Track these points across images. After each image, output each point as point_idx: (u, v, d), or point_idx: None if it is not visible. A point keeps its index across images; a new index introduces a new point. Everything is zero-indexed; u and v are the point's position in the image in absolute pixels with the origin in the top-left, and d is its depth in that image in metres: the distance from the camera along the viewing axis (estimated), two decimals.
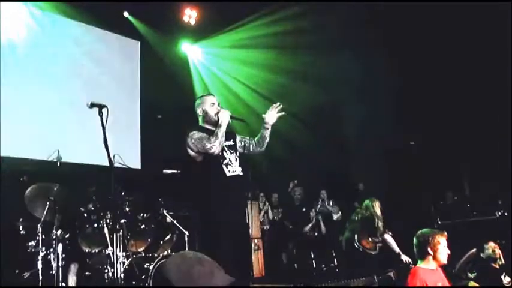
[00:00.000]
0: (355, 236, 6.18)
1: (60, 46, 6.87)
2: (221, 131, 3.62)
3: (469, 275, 4.75)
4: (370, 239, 6.18)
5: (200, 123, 3.88)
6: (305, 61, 7.75)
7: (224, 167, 3.65)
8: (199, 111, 3.88)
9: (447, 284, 3.47)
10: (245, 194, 3.87)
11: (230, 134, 3.87)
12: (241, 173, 3.75)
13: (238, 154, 3.84)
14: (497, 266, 4.77)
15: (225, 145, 3.74)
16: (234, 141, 3.91)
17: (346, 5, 6.92)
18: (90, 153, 6.46)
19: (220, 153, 3.66)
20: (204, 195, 3.61)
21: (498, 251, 4.79)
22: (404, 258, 5.82)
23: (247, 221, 3.68)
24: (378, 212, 6.24)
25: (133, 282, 4.53)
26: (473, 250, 5.01)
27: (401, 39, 6.82)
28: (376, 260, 6.05)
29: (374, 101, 7.31)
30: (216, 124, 3.69)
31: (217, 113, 3.75)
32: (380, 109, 7.26)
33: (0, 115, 6.08)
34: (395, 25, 6.76)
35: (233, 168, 3.70)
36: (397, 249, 5.99)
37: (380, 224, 6.19)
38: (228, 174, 3.65)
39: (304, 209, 7.73)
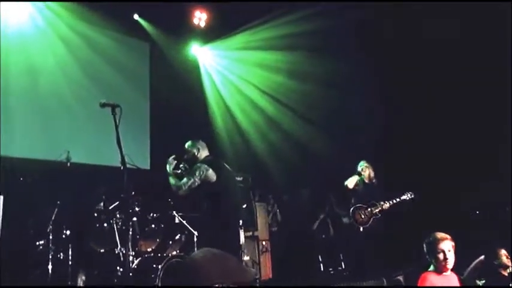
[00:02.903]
0: (351, 209, 6.06)
1: (71, 47, 6.93)
2: None
3: (478, 282, 4.69)
4: (368, 210, 6.01)
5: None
6: (318, 64, 7.71)
7: None
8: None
9: None
10: None
11: None
12: None
13: None
14: (506, 274, 4.72)
15: None
16: None
17: (361, 5, 6.87)
18: (99, 154, 6.52)
19: None
20: None
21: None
22: (406, 195, 5.84)
23: None
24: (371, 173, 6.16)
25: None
26: (482, 257, 4.95)
27: (423, 42, 6.76)
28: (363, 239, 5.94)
29: (391, 107, 7.25)
30: None
31: None
32: (399, 115, 7.18)
33: (11, 116, 6.16)
34: (415, 27, 6.70)
35: None
36: (395, 200, 5.95)
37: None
38: None
39: (312, 211, 7.72)
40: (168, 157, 4.66)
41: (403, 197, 5.99)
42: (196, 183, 4.38)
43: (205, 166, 4.45)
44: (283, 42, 7.82)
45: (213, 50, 8.79)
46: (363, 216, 6.00)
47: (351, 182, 6.17)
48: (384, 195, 6.09)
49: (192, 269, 1.82)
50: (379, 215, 5.96)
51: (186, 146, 4.78)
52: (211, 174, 4.42)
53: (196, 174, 4.40)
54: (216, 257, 1.84)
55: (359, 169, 6.23)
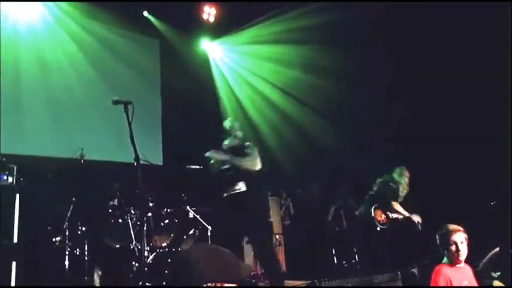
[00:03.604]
0: (373, 207, 6.01)
1: (82, 45, 6.99)
2: None
3: (493, 274, 4.65)
4: (388, 214, 6.01)
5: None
6: (329, 57, 7.66)
7: None
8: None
9: (474, 282, 3.36)
10: None
11: None
12: None
13: None
14: None
15: None
16: None
17: None
18: (112, 150, 6.58)
19: None
20: None
21: None
22: (416, 218, 5.76)
23: None
24: (405, 180, 6.08)
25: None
26: (497, 249, 4.90)
27: (434, 36, 6.67)
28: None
29: (402, 100, 7.18)
30: None
31: None
32: (412, 109, 7.11)
33: (25, 115, 6.25)
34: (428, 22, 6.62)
35: None
36: (406, 213, 5.90)
37: (403, 192, 6.04)
38: None
39: (323, 204, 7.71)
40: (205, 153, 4.52)
41: (413, 218, 5.97)
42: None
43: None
44: (293, 36, 7.77)
45: (222, 45, 8.79)
46: (383, 217, 6.00)
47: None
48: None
49: (185, 265, 1.79)
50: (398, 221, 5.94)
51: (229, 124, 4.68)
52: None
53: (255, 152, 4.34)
54: (210, 252, 1.81)
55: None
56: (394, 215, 6.02)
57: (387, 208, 6.05)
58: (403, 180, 6.14)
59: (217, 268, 1.74)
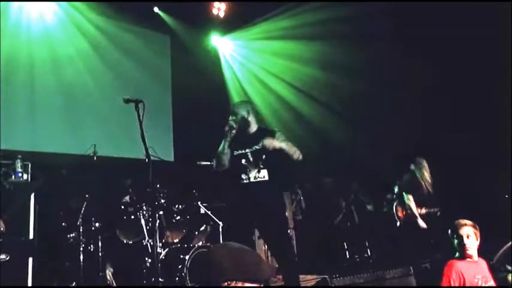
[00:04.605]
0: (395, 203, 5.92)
1: (93, 42, 7.04)
2: None
3: (508, 267, 4.61)
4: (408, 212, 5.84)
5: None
6: (340, 52, 7.58)
7: None
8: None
9: (489, 276, 3.36)
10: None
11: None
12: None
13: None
14: None
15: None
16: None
17: None
18: (125, 147, 6.63)
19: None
20: None
21: None
22: (420, 223, 5.66)
23: None
24: (426, 174, 5.83)
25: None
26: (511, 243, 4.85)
27: (451, 32, 6.57)
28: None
29: (412, 96, 7.10)
30: None
31: None
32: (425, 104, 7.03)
33: (38, 111, 6.33)
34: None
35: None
36: (416, 212, 5.71)
37: (424, 182, 5.81)
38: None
39: (334, 200, 7.69)
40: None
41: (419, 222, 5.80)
42: None
43: None
44: (304, 32, 7.70)
45: (233, 40, 8.76)
46: (404, 213, 5.94)
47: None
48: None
49: (205, 263, 1.81)
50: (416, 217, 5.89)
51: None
52: None
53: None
54: (231, 251, 1.81)
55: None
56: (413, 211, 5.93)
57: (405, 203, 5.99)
58: (418, 170, 5.93)
59: (237, 267, 1.74)
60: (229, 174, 3.99)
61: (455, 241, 3.37)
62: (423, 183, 5.89)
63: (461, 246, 3.33)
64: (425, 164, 5.99)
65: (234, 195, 4.19)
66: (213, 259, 1.77)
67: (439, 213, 5.74)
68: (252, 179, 3.86)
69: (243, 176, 3.88)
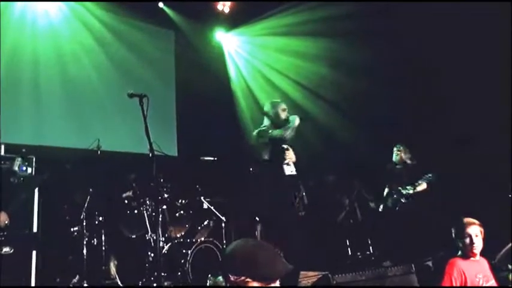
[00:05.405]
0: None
1: (98, 37, 7.05)
2: None
3: (510, 266, 4.61)
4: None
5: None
6: (345, 50, 7.55)
7: None
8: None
9: (490, 275, 3.35)
10: None
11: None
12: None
13: None
14: None
15: None
16: None
17: None
18: (129, 142, 6.65)
19: None
20: None
21: None
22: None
23: None
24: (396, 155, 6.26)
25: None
26: None
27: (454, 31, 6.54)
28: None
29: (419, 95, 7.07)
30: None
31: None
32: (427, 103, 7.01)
33: (43, 105, 6.36)
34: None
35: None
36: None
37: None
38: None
39: (337, 197, 7.68)
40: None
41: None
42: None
43: None
44: (309, 28, 7.66)
45: (237, 36, 8.74)
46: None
47: None
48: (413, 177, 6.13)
49: (224, 254, 1.88)
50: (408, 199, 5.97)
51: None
52: None
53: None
54: (246, 247, 1.83)
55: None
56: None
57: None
58: (395, 156, 6.35)
59: (247, 264, 1.76)
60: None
61: (463, 240, 3.29)
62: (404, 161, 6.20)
63: (470, 245, 3.27)
64: (395, 149, 6.36)
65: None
66: (229, 251, 1.82)
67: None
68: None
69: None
